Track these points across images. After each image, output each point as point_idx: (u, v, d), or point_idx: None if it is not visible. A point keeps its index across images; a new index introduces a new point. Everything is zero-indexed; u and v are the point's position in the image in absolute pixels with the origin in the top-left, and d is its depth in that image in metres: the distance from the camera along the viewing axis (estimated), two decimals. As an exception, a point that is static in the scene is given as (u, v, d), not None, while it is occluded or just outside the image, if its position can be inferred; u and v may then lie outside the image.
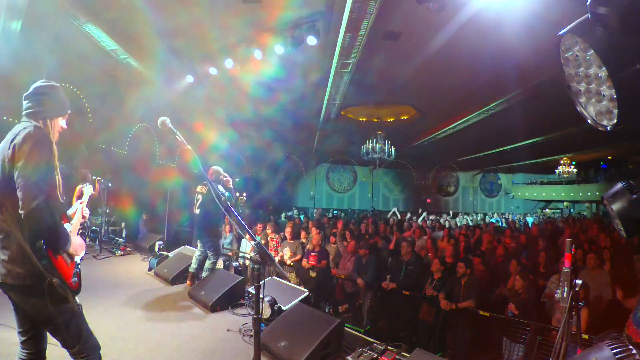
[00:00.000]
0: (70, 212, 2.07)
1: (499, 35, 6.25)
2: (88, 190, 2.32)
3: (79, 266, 1.97)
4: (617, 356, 1.08)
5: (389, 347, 3.12)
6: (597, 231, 8.09)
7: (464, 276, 4.74)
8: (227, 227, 8.10)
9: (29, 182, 1.66)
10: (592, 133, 10.62)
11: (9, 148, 1.74)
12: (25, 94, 1.92)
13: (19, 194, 1.66)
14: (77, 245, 1.91)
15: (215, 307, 4.05)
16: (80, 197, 2.22)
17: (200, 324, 3.68)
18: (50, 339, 1.92)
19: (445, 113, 11.82)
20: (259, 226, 7.92)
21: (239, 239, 7.56)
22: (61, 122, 1.96)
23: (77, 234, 2.04)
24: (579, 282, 2.12)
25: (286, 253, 6.65)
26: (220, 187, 4.60)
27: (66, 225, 1.92)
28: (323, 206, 19.46)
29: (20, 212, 1.65)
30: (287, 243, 6.89)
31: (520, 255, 5.90)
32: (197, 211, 4.83)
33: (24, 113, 1.89)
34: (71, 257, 1.89)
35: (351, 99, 10.81)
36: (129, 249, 7.07)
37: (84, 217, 2.07)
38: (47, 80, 1.96)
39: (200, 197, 4.79)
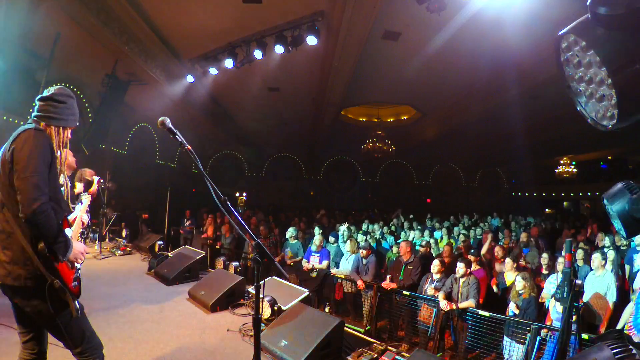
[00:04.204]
0: (70, 217, 2.06)
1: (499, 35, 6.26)
2: (87, 199, 2.35)
3: (79, 271, 1.95)
4: (617, 356, 1.08)
5: (389, 347, 3.11)
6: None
7: (463, 276, 4.73)
8: (227, 227, 8.13)
9: (29, 185, 1.63)
10: (592, 133, 10.62)
11: (9, 150, 1.72)
12: (41, 96, 1.90)
13: (19, 197, 1.63)
14: (78, 252, 1.88)
15: (215, 307, 4.04)
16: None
17: (200, 324, 3.67)
18: (51, 338, 1.91)
19: (445, 113, 11.82)
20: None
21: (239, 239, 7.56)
22: (68, 133, 1.94)
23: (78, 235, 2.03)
24: (578, 282, 2.12)
25: (287, 253, 6.66)
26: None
27: (67, 230, 1.89)
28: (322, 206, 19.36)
29: (20, 215, 1.62)
30: (288, 244, 6.90)
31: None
32: None
33: (35, 114, 1.87)
34: (71, 262, 1.87)
35: (351, 99, 10.81)
36: (129, 249, 7.07)
37: (83, 223, 2.07)
38: (66, 89, 1.96)
39: None
